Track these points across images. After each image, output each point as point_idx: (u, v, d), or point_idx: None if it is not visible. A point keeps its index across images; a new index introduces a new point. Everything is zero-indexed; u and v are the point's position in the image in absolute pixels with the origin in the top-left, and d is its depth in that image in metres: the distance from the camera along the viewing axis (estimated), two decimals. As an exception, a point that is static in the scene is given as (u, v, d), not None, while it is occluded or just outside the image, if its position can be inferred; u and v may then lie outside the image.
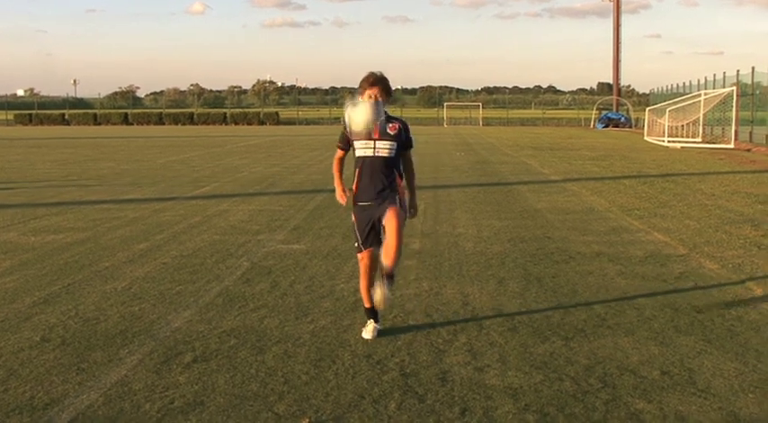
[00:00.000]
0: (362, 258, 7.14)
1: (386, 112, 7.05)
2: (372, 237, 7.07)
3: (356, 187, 7.10)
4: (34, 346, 6.83)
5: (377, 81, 6.96)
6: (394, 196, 7.04)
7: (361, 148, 7.02)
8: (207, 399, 5.64)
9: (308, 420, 5.25)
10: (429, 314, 7.87)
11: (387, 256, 6.89)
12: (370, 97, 6.90)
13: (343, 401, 5.60)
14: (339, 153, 7.29)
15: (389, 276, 6.99)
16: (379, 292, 6.91)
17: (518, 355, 6.58)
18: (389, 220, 6.87)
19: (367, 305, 7.23)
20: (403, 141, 7.15)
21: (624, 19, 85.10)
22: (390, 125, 7.06)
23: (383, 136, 7.00)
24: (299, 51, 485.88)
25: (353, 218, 7.16)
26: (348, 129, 6.97)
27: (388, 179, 7.06)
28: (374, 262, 7.08)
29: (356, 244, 7.17)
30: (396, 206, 6.95)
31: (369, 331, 7.13)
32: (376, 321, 7.23)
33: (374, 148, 7.00)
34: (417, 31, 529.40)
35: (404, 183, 7.27)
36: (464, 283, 9.16)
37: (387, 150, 7.02)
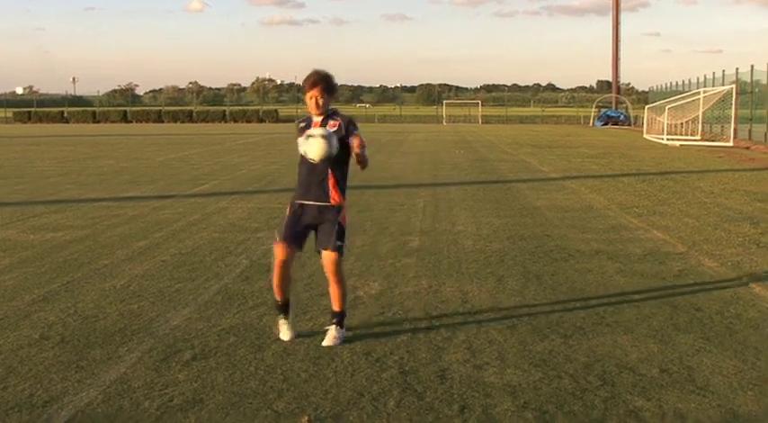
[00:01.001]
0: (278, 251, 6.85)
1: (332, 109, 6.97)
2: (296, 237, 6.88)
3: (297, 184, 6.98)
4: (33, 344, 6.83)
5: (318, 80, 6.83)
6: (333, 222, 6.84)
7: (301, 145, 6.77)
8: (206, 396, 5.64)
9: (307, 418, 5.26)
10: (428, 312, 7.87)
11: (334, 300, 6.98)
12: (311, 99, 6.82)
13: (342, 399, 5.60)
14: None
15: (341, 320, 6.98)
16: (330, 338, 6.85)
17: (517, 353, 6.58)
18: (328, 264, 6.85)
19: (279, 298, 7.05)
20: (343, 135, 6.78)
21: (623, 17, 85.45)
22: (331, 122, 6.86)
23: None
24: (299, 49, 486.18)
25: (287, 210, 7.00)
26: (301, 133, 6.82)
27: (320, 178, 6.81)
28: (290, 259, 6.89)
29: (276, 235, 6.97)
30: (332, 247, 6.80)
31: (285, 332, 6.99)
32: (287, 317, 7.07)
33: None
34: (416, 29, 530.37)
35: (340, 193, 6.91)
36: (463, 281, 9.16)
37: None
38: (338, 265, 6.88)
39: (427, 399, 5.60)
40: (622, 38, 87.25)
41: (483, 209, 15.25)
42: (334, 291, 6.97)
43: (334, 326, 6.93)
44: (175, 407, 5.45)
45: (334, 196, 6.86)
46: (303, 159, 6.80)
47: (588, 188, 19.06)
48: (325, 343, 6.79)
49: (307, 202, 6.87)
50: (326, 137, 6.60)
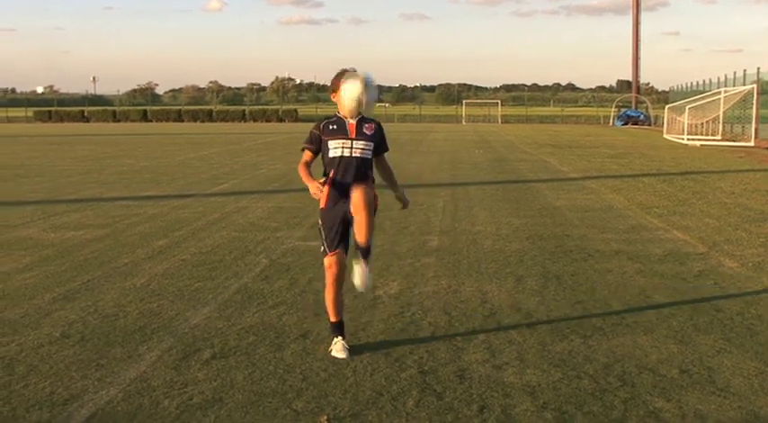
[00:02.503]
0: (330, 264, 6.61)
1: (360, 113, 6.70)
2: (341, 235, 6.61)
3: (328, 189, 6.60)
4: (54, 342, 6.87)
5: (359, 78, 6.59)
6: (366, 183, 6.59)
7: (337, 148, 6.60)
8: (225, 395, 5.65)
9: (326, 417, 5.26)
10: (447, 312, 7.86)
11: (359, 232, 6.46)
12: (346, 89, 6.54)
13: (361, 398, 5.60)
14: (306, 156, 6.77)
15: (365, 251, 6.57)
16: (358, 272, 6.60)
17: (536, 353, 6.57)
18: (356, 196, 6.36)
19: (334, 319, 6.74)
20: (378, 143, 6.75)
21: (642, 16, 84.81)
22: (367, 125, 6.70)
23: (360, 135, 6.64)
24: (318, 48, 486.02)
25: (320, 221, 6.71)
26: (327, 133, 6.65)
27: (364, 177, 6.63)
28: (343, 269, 6.60)
29: (322, 247, 6.68)
30: (362, 185, 6.43)
31: (339, 349, 6.58)
32: (344, 337, 6.69)
33: (351, 147, 6.61)
34: (434, 29, 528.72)
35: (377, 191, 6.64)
36: (482, 281, 9.15)
37: (363, 150, 6.63)
38: (369, 195, 6.39)
39: (446, 399, 5.60)
40: (642, 37, 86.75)
41: (502, 209, 15.23)
42: (360, 223, 6.42)
43: (363, 262, 6.62)
44: (195, 406, 5.47)
45: (374, 192, 6.55)
46: (339, 168, 6.61)
47: (608, 188, 19.00)
48: (356, 281, 6.67)
49: (337, 203, 6.60)
50: (370, 89, 6.55)
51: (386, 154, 6.97)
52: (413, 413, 5.34)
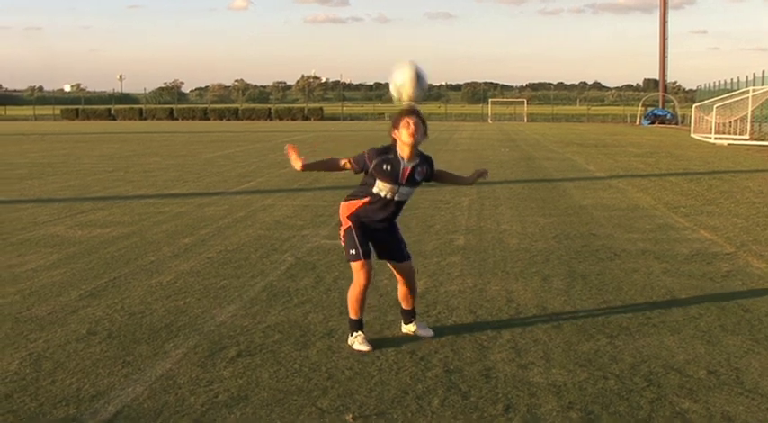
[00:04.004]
0: (360, 269, 6.60)
1: (419, 152, 6.58)
2: (368, 246, 6.64)
3: (355, 210, 6.65)
4: (81, 339, 6.90)
5: (414, 109, 6.51)
6: (394, 231, 6.82)
7: (382, 189, 6.52)
8: (251, 393, 5.67)
9: (351, 416, 5.26)
10: (473, 311, 7.85)
11: (405, 301, 6.99)
12: (408, 125, 6.36)
13: (386, 397, 5.60)
14: (344, 162, 6.64)
15: (414, 314, 7.09)
16: (420, 330, 6.99)
17: (562, 353, 6.55)
18: (407, 275, 6.86)
19: (355, 317, 6.75)
20: (429, 175, 6.71)
21: (670, 14, 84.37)
22: (420, 169, 6.55)
23: (410, 182, 6.54)
24: (343, 47, 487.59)
25: (350, 225, 6.65)
26: (378, 171, 6.48)
27: (395, 216, 6.75)
28: (372, 275, 6.69)
29: (352, 251, 6.59)
30: (407, 260, 6.85)
31: (361, 341, 6.66)
32: (362, 330, 6.77)
33: (396, 192, 6.53)
34: (460, 27, 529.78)
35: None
36: (508, 280, 9.13)
37: (407, 196, 6.63)
38: (412, 270, 6.95)
39: (472, 398, 5.59)
40: (669, 35, 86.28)
41: (528, 207, 15.19)
42: (408, 294, 6.98)
43: (414, 322, 7.06)
44: (220, 403, 5.48)
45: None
46: (377, 203, 6.59)
47: (635, 187, 18.91)
48: (424, 333, 6.99)
49: (370, 221, 6.67)
50: (419, 74, 6.57)
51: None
52: (438, 412, 5.34)
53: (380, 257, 6.86)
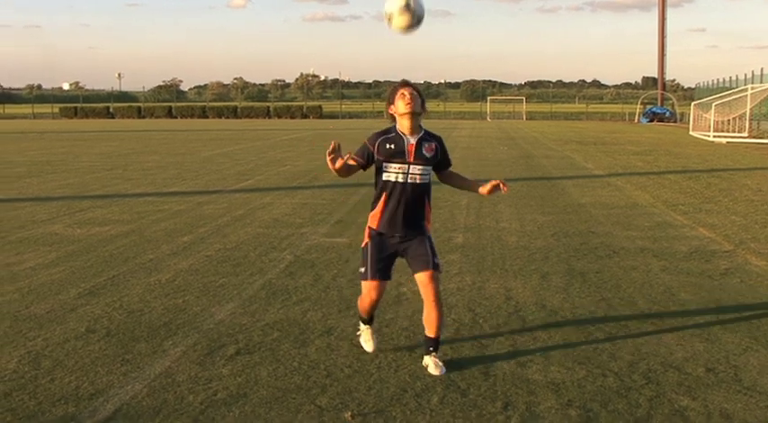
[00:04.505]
0: (369, 289, 6.18)
1: (422, 127, 6.16)
2: (385, 268, 6.15)
3: (379, 216, 6.15)
4: (80, 337, 6.90)
5: (409, 83, 6.12)
6: (425, 241, 6.16)
7: (391, 172, 6.07)
8: (250, 391, 5.67)
9: (350, 414, 5.26)
10: (472, 308, 7.85)
11: (430, 327, 6.17)
12: (404, 96, 5.99)
13: (385, 395, 5.61)
14: (351, 161, 6.12)
15: (437, 345, 6.26)
16: (432, 365, 6.11)
17: (561, 351, 6.56)
18: (426, 287, 6.06)
19: (366, 316, 6.50)
20: (439, 161, 6.22)
21: (668, 13, 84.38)
22: (427, 145, 6.10)
23: (419, 159, 6.05)
24: (342, 45, 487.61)
25: (367, 240, 6.23)
26: (382, 153, 6.07)
27: (420, 209, 6.13)
28: (381, 293, 6.22)
29: (362, 269, 6.19)
30: (431, 269, 6.06)
31: (367, 338, 6.51)
32: (371, 325, 6.57)
33: (407, 173, 6.04)
34: (459, 25, 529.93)
35: (431, 216, 6.33)
36: (507, 278, 9.13)
37: (420, 176, 6.07)
38: (438, 285, 6.12)
39: (471, 395, 5.59)
40: (667, 34, 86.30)
41: (527, 205, 15.19)
42: (431, 315, 6.15)
43: (432, 355, 6.21)
44: (219, 401, 5.48)
45: (427, 225, 6.25)
46: (393, 193, 6.08)
47: (633, 185, 18.92)
48: (435, 372, 6.08)
49: (396, 234, 6.13)
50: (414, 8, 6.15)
51: (450, 169, 6.44)
52: (437, 410, 5.34)
53: (413, 270, 6.21)
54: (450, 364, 6.20)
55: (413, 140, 6.07)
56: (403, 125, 6.09)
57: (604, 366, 6.19)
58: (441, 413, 5.28)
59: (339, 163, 5.99)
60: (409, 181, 6.05)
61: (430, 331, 6.20)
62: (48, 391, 5.68)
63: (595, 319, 7.46)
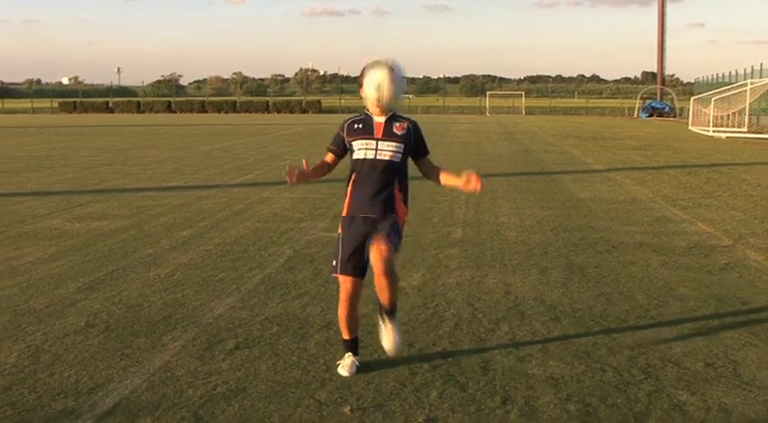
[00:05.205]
0: (343, 282, 5.91)
1: (392, 111, 5.93)
2: (356, 260, 5.86)
3: (349, 199, 5.93)
4: (79, 332, 6.90)
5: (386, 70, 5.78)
6: (391, 219, 5.90)
7: (360, 149, 5.86)
8: (249, 385, 5.67)
9: (349, 408, 5.27)
10: (471, 303, 7.85)
11: (381, 293, 5.85)
12: (379, 88, 5.72)
13: (384, 389, 5.61)
14: (328, 158, 6.06)
15: (390, 312, 5.92)
16: (388, 338, 5.91)
17: (560, 345, 6.56)
18: (374, 251, 5.66)
19: (347, 337, 6.07)
20: (412, 144, 5.93)
21: (667, 7, 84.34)
22: (397, 124, 5.88)
23: (387, 136, 5.83)
24: (341, 40, 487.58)
25: (340, 229, 6.00)
26: (350, 134, 5.92)
27: (390, 189, 5.89)
28: (356, 290, 5.92)
29: (333, 262, 5.96)
30: (385, 233, 5.74)
31: (346, 366, 5.96)
32: (356, 354, 6.08)
33: (375, 149, 5.82)
34: (458, 20, 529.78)
35: (406, 206, 6.13)
36: (506, 273, 9.13)
37: (390, 153, 5.81)
38: (390, 250, 5.68)
39: (470, 390, 5.60)
40: (667, 28, 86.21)
41: (526, 200, 15.19)
42: (380, 284, 5.80)
43: (387, 319, 5.95)
44: (219, 395, 5.49)
45: (401, 212, 6.05)
46: (362, 171, 5.86)
47: (633, 180, 18.92)
48: (386, 346, 5.95)
49: (367, 216, 5.88)
50: (395, 75, 5.73)
51: (428, 157, 6.14)
52: (436, 404, 5.34)
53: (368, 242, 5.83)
54: (448, 359, 6.20)
55: (381, 120, 5.90)
56: (373, 110, 5.92)
57: (603, 361, 6.19)
58: (440, 407, 5.29)
59: (306, 171, 5.96)
60: (378, 157, 5.82)
61: (382, 296, 5.87)
62: (47, 385, 5.68)
63: (594, 314, 7.47)
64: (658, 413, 5.20)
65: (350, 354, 6.06)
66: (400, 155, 5.86)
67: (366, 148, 5.84)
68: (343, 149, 6.00)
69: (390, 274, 5.72)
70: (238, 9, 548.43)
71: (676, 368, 6.03)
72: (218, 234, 11.50)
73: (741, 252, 10.32)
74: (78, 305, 7.76)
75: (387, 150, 5.83)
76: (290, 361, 6.18)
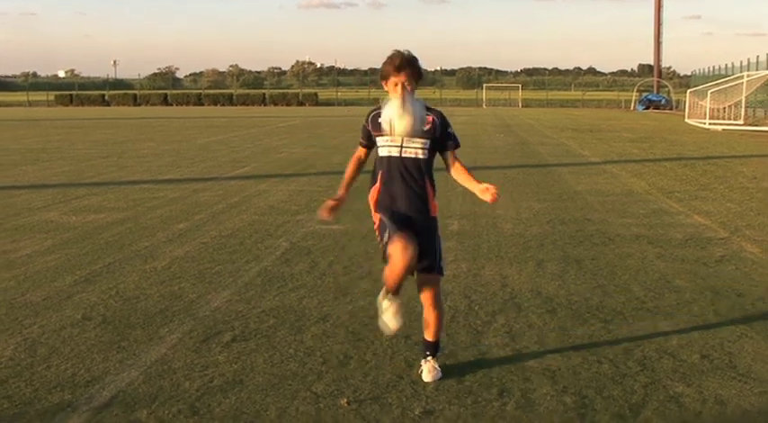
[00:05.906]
0: (401, 247, 5.35)
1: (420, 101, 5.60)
2: (409, 232, 5.47)
3: (377, 194, 5.72)
4: (75, 325, 6.90)
5: (404, 64, 5.49)
6: (432, 236, 5.76)
7: (384, 147, 5.61)
8: (246, 378, 5.67)
9: (346, 400, 5.27)
10: (467, 295, 7.86)
11: (428, 328, 5.79)
12: (396, 85, 5.49)
13: (381, 381, 5.61)
14: (359, 151, 5.91)
15: (436, 348, 5.87)
16: (430, 375, 5.69)
17: (556, 337, 6.57)
18: (425, 290, 5.71)
19: (397, 283, 5.66)
20: (438, 138, 5.64)
21: (664, 0, 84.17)
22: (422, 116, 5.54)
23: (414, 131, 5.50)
24: (338, 32, 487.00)
25: (380, 217, 5.68)
26: (375, 128, 5.66)
27: (418, 186, 5.65)
28: (416, 251, 5.41)
29: (385, 235, 5.56)
30: (436, 269, 5.71)
31: (395, 312, 5.73)
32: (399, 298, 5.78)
33: (400, 146, 5.56)
34: (454, 12, 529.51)
35: (436, 200, 5.90)
36: (503, 265, 9.14)
37: (417, 150, 5.56)
38: (439, 289, 5.78)
39: (466, 382, 5.60)
40: (663, 21, 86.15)
41: (523, 193, 15.20)
42: (430, 317, 5.78)
43: (430, 358, 5.80)
44: (215, 388, 5.49)
45: (433, 209, 5.86)
46: (389, 171, 5.63)
47: (629, 172, 18.93)
48: (426, 378, 5.68)
49: (403, 213, 5.62)
50: (404, 103, 5.38)
51: (457, 151, 5.88)
52: (432, 396, 5.35)
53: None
54: (445, 351, 6.20)
55: None
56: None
57: (599, 353, 6.20)
58: (436, 400, 5.29)
59: (343, 196, 5.92)
60: (403, 155, 5.56)
61: (427, 333, 5.83)
62: (44, 378, 5.68)
63: (590, 306, 7.47)
64: (654, 405, 5.21)
65: (396, 297, 5.73)
66: (427, 151, 5.61)
67: (390, 146, 5.59)
68: (372, 141, 5.77)
69: (441, 308, 5.81)
70: (235, 2, 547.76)
71: (672, 360, 6.04)
72: (214, 227, 11.49)
73: (737, 244, 10.33)
74: (75, 298, 7.75)
75: (412, 147, 5.57)
76: (287, 353, 6.18)
